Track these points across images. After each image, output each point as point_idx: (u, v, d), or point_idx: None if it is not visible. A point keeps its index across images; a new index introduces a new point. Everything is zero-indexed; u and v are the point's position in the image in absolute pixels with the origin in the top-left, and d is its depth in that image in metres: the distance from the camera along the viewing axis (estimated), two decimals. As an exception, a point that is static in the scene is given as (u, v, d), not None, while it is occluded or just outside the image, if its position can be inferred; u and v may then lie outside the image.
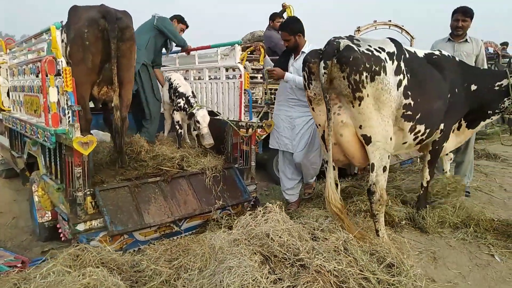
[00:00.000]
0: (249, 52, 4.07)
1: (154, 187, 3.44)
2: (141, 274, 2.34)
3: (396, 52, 2.80)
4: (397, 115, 2.84)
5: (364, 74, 2.57)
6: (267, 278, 2.05)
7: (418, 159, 6.36)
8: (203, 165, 3.77)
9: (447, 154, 3.95)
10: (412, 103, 2.85)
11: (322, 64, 2.64)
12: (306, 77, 2.90)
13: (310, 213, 2.93)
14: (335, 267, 2.17)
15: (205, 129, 3.90)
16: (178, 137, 4.23)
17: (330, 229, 2.51)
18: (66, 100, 2.89)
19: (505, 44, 11.16)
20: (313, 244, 2.28)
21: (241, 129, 3.96)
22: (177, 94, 4.16)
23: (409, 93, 2.83)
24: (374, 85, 2.62)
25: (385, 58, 2.71)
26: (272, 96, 6.00)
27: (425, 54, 3.25)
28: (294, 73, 3.74)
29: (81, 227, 2.95)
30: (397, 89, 2.77)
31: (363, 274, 2.23)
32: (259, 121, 3.88)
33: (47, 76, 2.98)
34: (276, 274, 2.13)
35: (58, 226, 3.54)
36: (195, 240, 2.88)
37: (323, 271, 2.13)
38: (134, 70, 3.58)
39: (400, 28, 5.87)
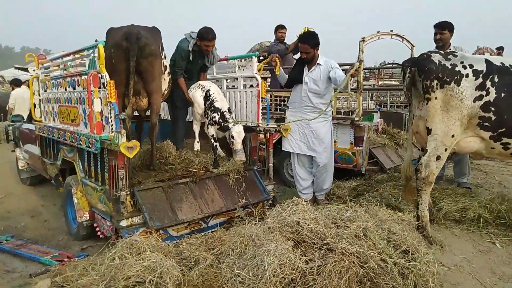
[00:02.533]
0: (265, 63, 4.43)
1: (184, 187, 3.78)
2: (187, 260, 2.66)
3: (484, 71, 3.22)
4: (473, 123, 3.28)
5: (435, 81, 3.21)
6: (300, 259, 2.39)
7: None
8: (227, 167, 4.12)
9: None
10: (492, 117, 3.22)
11: (408, 69, 3.38)
12: (402, 78, 3.67)
13: (328, 208, 3.26)
14: (357, 250, 2.50)
15: (238, 145, 4.04)
16: (213, 151, 4.25)
17: (350, 219, 2.84)
18: (110, 110, 3.25)
19: (500, 48, 11.53)
20: (337, 231, 2.62)
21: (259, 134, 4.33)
22: (212, 108, 4.25)
23: (492, 108, 3.21)
24: (443, 91, 3.20)
25: (466, 74, 3.21)
26: (282, 103, 6.39)
27: None
28: (310, 82, 4.14)
29: (123, 223, 3.29)
30: (473, 101, 3.20)
31: (381, 257, 2.56)
32: (276, 125, 4.24)
33: (92, 88, 3.34)
34: (307, 256, 2.47)
35: (95, 225, 3.88)
36: (226, 233, 3.20)
37: (347, 253, 2.46)
38: (160, 81, 3.91)
39: (401, 37, 6.24)
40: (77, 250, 3.98)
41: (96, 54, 3.26)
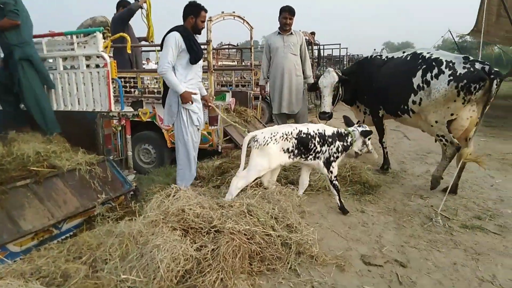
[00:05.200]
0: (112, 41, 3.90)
1: (24, 191, 3.07)
2: (50, 277, 2.18)
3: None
4: None
5: None
6: (192, 246, 2.27)
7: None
8: (77, 161, 3.53)
9: None
10: None
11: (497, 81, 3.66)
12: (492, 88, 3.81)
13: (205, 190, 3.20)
14: (243, 228, 2.54)
15: (370, 145, 3.93)
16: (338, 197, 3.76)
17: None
18: None
19: (313, 33, 13.51)
20: (222, 212, 2.59)
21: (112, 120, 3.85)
22: (328, 139, 3.72)
23: None
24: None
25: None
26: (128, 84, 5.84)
27: None
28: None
29: None
30: None
31: (266, 231, 2.67)
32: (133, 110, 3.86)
33: None
34: (197, 243, 2.36)
35: None
36: (92, 235, 2.78)
37: (235, 232, 2.47)
38: None
39: (242, 19, 6.55)
40: None
41: None
